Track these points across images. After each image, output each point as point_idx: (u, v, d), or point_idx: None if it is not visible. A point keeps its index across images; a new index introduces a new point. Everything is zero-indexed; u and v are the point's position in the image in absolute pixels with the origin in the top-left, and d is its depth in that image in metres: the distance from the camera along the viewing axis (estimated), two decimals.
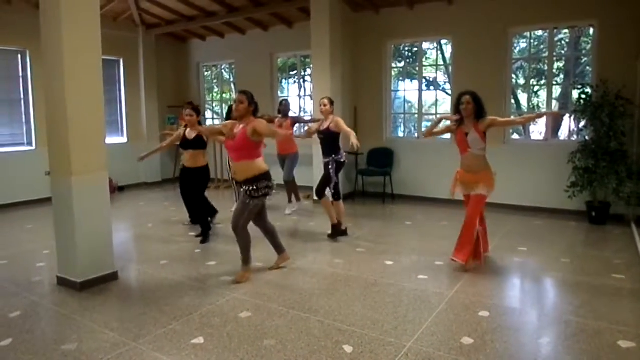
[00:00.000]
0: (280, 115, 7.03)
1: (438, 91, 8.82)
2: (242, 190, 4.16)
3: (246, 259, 4.30)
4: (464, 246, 4.39)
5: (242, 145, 4.08)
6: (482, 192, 4.42)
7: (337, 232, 5.59)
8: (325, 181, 5.57)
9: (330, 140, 5.49)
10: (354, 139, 4.89)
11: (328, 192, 5.57)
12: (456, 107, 4.47)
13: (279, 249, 4.56)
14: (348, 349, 3.00)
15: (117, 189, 9.15)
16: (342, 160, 5.58)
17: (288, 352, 2.97)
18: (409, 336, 3.16)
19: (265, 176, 4.14)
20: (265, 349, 3.02)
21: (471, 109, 4.33)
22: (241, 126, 4.13)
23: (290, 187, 7.08)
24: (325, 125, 5.47)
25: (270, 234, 4.50)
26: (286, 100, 7.22)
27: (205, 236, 5.52)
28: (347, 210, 7.31)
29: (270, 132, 4.14)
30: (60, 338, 3.21)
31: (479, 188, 4.41)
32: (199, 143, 5.61)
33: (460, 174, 4.54)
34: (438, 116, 4.45)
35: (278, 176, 7.96)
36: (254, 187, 4.08)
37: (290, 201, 7.13)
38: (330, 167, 5.49)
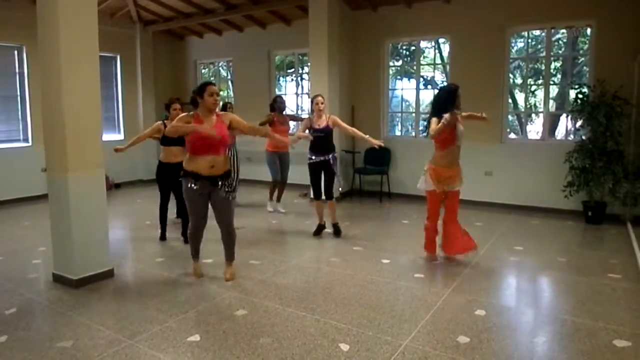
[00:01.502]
0: (274, 113, 6.91)
1: (435, 90, 8.81)
2: (218, 186, 3.93)
3: (233, 254, 4.27)
4: (455, 242, 4.55)
5: (226, 138, 3.95)
6: (459, 187, 4.51)
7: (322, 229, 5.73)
8: (331, 180, 5.56)
9: (329, 138, 5.49)
10: (374, 141, 5.27)
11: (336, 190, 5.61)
12: (451, 100, 4.31)
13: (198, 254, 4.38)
14: (344, 347, 3.00)
15: (113, 186, 9.13)
16: (337, 156, 5.63)
17: (284, 350, 2.97)
18: (405, 335, 3.16)
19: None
20: (261, 346, 3.01)
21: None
22: (213, 119, 3.93)
23: (283, 186, 7.07)
24: (322, 124, 5.44)
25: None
26: (280, 97, 7.15)
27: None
28: (344, 208, 7.33)
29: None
30: (55, 335, 3.20)
31: (457, 184, 4.47)
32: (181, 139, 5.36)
33: (438, 170, 4.44)
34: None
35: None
36: (230, 181, 4.01)
37: (273, 199, 7.10)
38: (332, 163, 5.48)
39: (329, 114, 5.61)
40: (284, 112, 6.99)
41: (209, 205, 4.08)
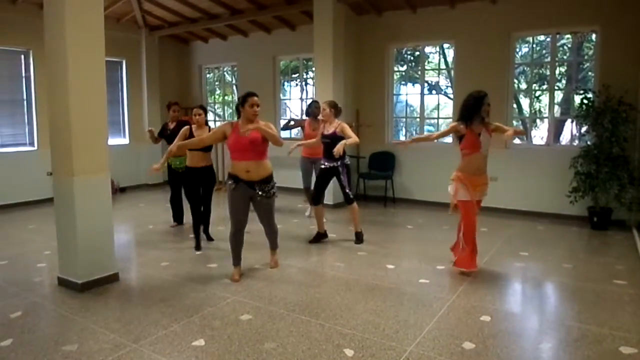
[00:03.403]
0: (309, 118, 6.81)
1: (440, 95, 8.83)
2: (256, 191, 4.16)
3: (276, 244, 4.71)
4: (474, 253, 4.41)
5: (259, 144, 4.14)
6: (484, 196, 4.46)
7: (320, 237, 5.65)
8: (322, 186, 5.52)
9: (336, 145, 5.43)
10: (340, 146, 4.97)
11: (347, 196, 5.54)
12: (476, 107, 4.21)
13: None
14: (349, 352, 2.99)
15: (118, 190, 9.16)
16: (349, 163, 5.55)
17: (289, 355, 2.97)
18: (410, 340, 3.15)
19: (272, 175, 4.32)
20: (265, 351, 3.01)
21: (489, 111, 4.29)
22: (250, 127, 4.05)
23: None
24: (330, 130, 5.40)
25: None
26: (317, 101, 6.89)
27: (205, 238, 5.52)
28: (348, 214, 7.30)
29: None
30: (60, 339, 3.21)
31: (484, 192, 4.42)
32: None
33: (471, 179, 4.28)
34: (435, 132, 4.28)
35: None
36: (271, 186, 4.24)
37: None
38: (341, 170, 5.41)
39: (338, 121, 5.54)
40: (318, 117, 6.88)
41: (250, 208, 4.31)
